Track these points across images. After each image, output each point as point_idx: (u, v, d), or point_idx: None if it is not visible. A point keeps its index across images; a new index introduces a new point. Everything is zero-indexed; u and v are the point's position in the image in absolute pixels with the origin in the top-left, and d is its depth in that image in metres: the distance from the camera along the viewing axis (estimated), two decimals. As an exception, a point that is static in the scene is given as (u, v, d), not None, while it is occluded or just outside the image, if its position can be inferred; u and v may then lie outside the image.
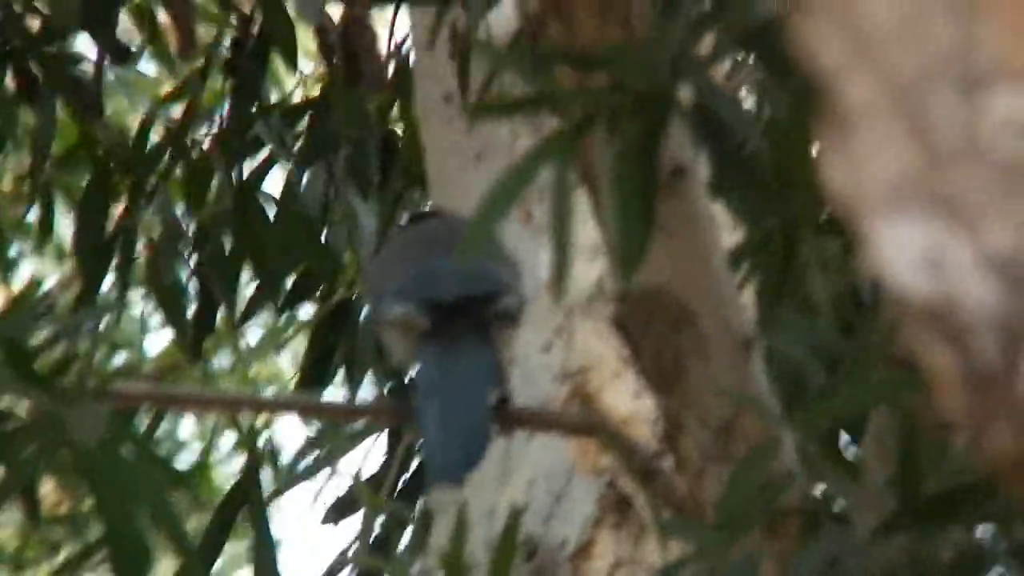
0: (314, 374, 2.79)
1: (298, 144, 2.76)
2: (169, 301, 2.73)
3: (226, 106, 2.79)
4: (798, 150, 1.40)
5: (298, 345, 3.22)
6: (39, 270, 4.02)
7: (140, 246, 2.75)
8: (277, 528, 2.22)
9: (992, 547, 1.40)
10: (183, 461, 4.27)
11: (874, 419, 1.54)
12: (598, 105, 1.37)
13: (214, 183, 2.75)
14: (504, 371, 1.78)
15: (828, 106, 0.68)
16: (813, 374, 1.48)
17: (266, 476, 2.24)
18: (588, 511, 2.19)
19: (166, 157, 2.74)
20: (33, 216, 2.93)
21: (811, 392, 1.48)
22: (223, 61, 2.78)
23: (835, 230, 1.46)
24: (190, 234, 2.75)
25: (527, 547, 2.20)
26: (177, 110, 2.80)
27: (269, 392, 4.14)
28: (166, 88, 2.93)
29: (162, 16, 2.83)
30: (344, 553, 2.50)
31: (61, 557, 3.67)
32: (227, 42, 2.79)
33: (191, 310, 2.76)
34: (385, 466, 2.65)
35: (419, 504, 2.61)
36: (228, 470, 4.31)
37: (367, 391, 2.79)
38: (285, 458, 2.20)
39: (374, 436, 2.53)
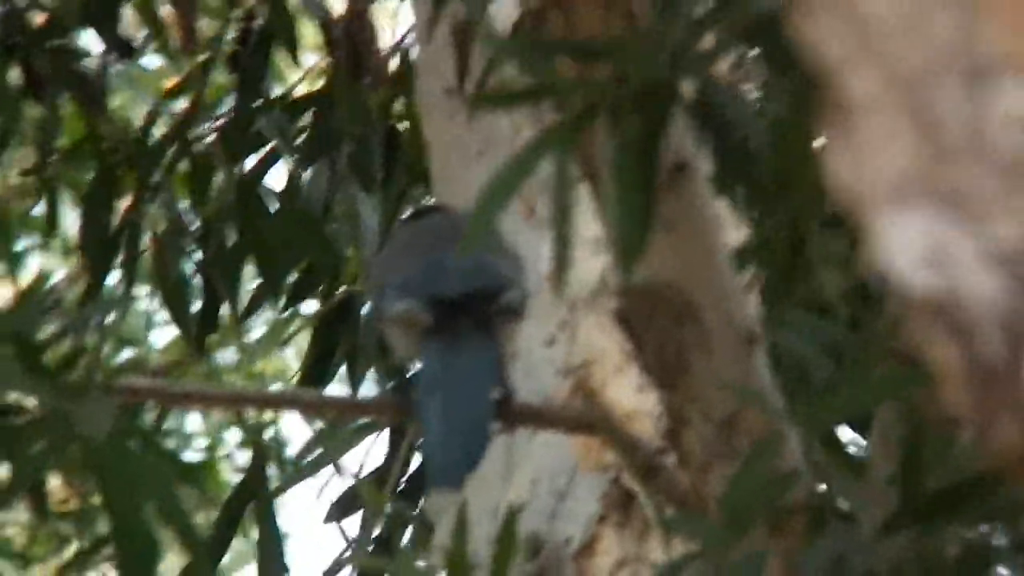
0: (317, 370, 2.79)
1: (301, 139, 2.77)
2: (174, 297, 2.73)
3: (229, 101, 2.79)
4: (801, 145, 1.40)
5: (303, 340, 3.22)
6: (45, 265, 4.02)
7: (145, 241, 2.75)
8: (283, 523, 2.22)
9: (997, 544, 1.40)
10: (189, 456, 4.27)
11: (879, 414, 1.54)
12: (600, 97, 1.37)
13: (218, 178, 2.75)
14: (506, 367, 1.78)
15: (832, 101, 0.68)
16: (817, 369, 1.48)
17: (272, 471, 2.25)
18: (592, 508, 2.19)
19: (170, 152, 2.74)
20: (39, 211, 2.94)
21: (815, 387, 1.49)
22: (226, 56, 2.78)
23: (840, 225, 1.46)
24: (194, 229, 2.75)
25: (531, 545, 2.20)
26: (181, 104, 2.81)
27: (274, 388, 4.14)
28: (170, 83, 2.93)
29: (165, 11, 2.83)
30: (345, 552, 2.50)
31: (69, 552, 3.67)
32: (230, 36, 2.79)
33: (196, 305, 2.76)
34: (388, 462, 2.65)
35: (422, 501, 2.61)
36: (234, 465, 4.32)
37: (369, 387, 2.79)
38: (290, 453, 2.21)
39: (377, 432, 2.53)
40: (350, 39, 2.75)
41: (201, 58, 2.79)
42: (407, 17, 2.86)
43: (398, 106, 2.82)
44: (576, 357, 2.24)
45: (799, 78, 1.36)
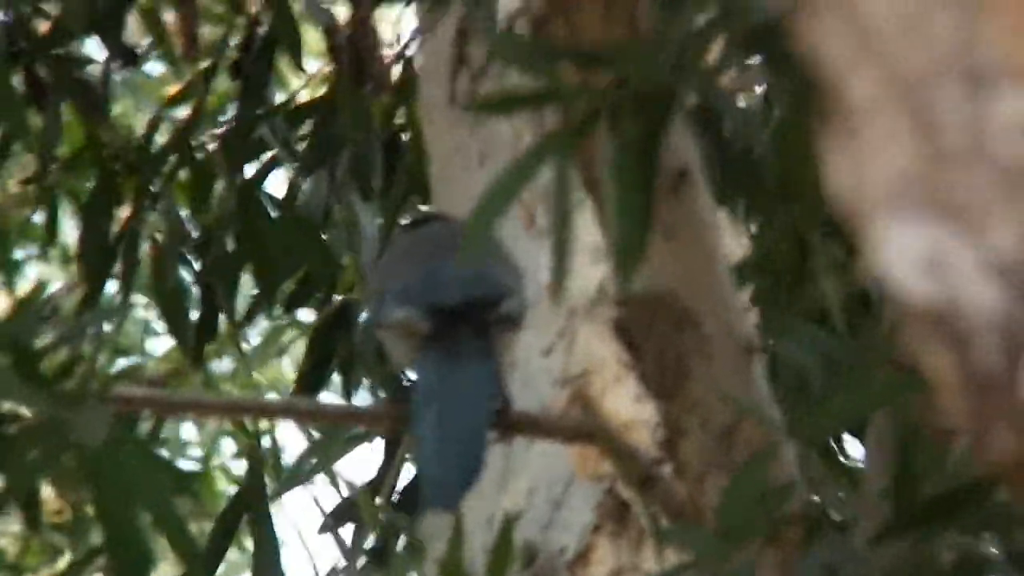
0: (313, 379, 2.79)
1: (302, 147, 2.77)
2: (171, 306, 2.73)
3: (232, 108, 2.79)
4: (803, 151, 1.40)
5: (300, 349, 3.22)
6: (44, 273, 4.02)
7: (144, 249, 2.75)
8: (278, 533, 2.22)
9: (992, 553, 1.39)
10: (185, 464, 4.27)
11: (875, 423, 1.54)
12: (600, 102, 1.37)
13: (219, 186, 2.75)
14: (504, 376, 1.77)
15: (832, 104, 0.68)
16: (815, 378, 1.48)
17: (268, 481, 2.24)
18: (587, 518, 2.19)
19: (171, 160, 2.74)
20: (38, 219, 2.94)
21: (813, 397, 1.49)
22: (229, 63, 2.78)
23: (839, 233, 1.46)
24: (194, 237, 2.75)
25: (526, 554, 2.19)
26: (183, 112, 2.81)
27: (270, 397, 4.14)
28: (172, 90, 2.93)
29: (168, 18, 2.83)
30: (340, 562, 2.50)
31: (62, 563, 3.66)
32: (233, 43, 2.79)
33: (194, 314, 2.76)
34: (383, 472, 2.65)
35: (416, 512, 2.61)
36: (230, 474, 4.31)
37: (365, 396, 2.79)
38: (286, 462, 2.20)
39: (372, 441, 2.52)
40: (353, 46, 2.75)
41: (204, 65, 2.79)
42: (410, 24, 2.86)
43: (400, 114, 2.82)
44: (574, 367, 2.24)
45: (800, 83, 1.36)
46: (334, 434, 2.13)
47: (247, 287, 2.80)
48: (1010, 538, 1.39)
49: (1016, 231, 0.66)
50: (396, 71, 2.82)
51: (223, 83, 2.85)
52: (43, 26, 2.67)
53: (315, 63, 3.23)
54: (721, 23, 1.37)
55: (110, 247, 2.71)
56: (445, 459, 1.60)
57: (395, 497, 2.64)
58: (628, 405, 2.19)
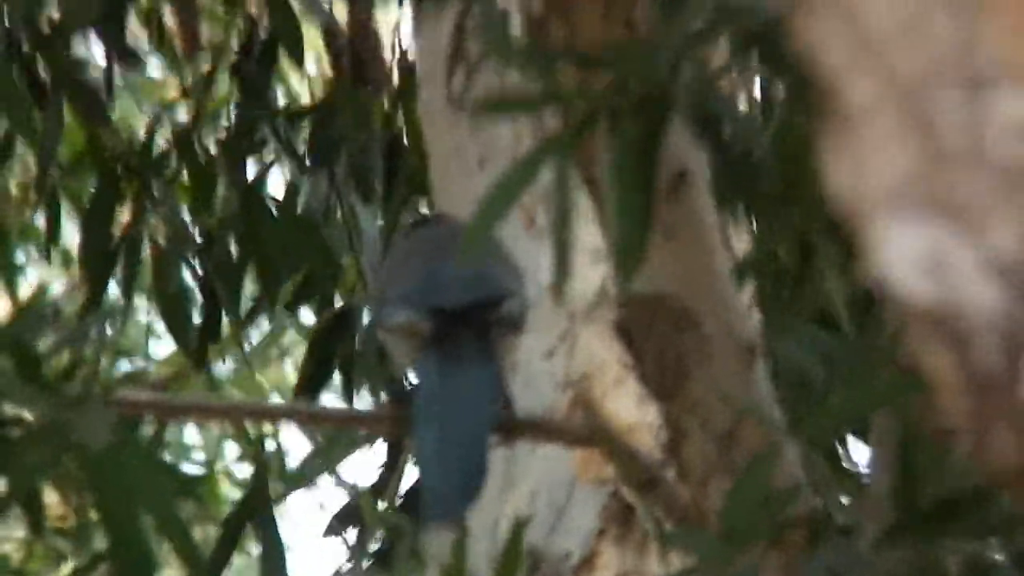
0: (314, 381, 2.79)
1: (302, 148, 2.77)
2: (173, 308, 2.73)
3: (232, 109, 2.80)
4: (803, 153, 1.40)
5: (302, 351, 3.22)
6: (45, 275, 4.02)
7: (146, 251, 2.75)
8: (283, 535, 2.21)
9: (997, 557, 1.39)
10: (189, 468, 4.27)
11: (877, 425, 1.53)
12: (599, 104, 1.37)
13: (220, 187, 2.75)
14: (506, 379, 1.77)
15: (831, 106, 0.68)
16: (816, 379, 1.48)
17: (273, 484, 2.24)
18: (591, 523, 2.19)
19: (172, 161, 2.74)
20: (39, 221, 2.94)
21: (814, 398, 1.48)
22: (230, 64, 2.78)
23: (840, 234, 1.46)
24: (196, 239, 2.75)
25: (530, 559, 2.19)
26: (183, 113, 2.81)
27: (273, 400, 4.14)
28: (172, 91, 2.93)
29: (169, 19, 2.83)
30: (344, 565, 2.50)
31: (66, 569, 3.66)
32: (234, 45, 2.80)
33: (196, 316, 2.76)
34: (386, 474, 2.65)
35: (419, 514, 2.61)
36: (233, 478, 4.31)
37: (366, 399, 2.79)
38: (290, 465, 2.20)
39: (376, 443, 2.52)
40: (353, 48, 2.76)
41: (205, 67, 2.79)
42: (409, 26, 2.86)
43: (400, 116, 2.82)
44: (576, 370, 2.24)
45: (799, 84, 1.36)
46: (337, 437, 2.13)
47: (248, 289, 2.80)
48: (1014, 541, 1.39)
49: (1016, 231, 0.65)
50: (396, 73, 2.83)
51: (224, 85, 2.85)
52: (44, 28, 2.68)
53: (315, 65, 3.23)
54: (719, 25, 1.37)
55: (112, 249, 2.71)
56: (446, 471, 1.60)
57: (399, 499, 2.64)
58: (630, 408, 2.18)
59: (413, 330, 1.72)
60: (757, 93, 2.08)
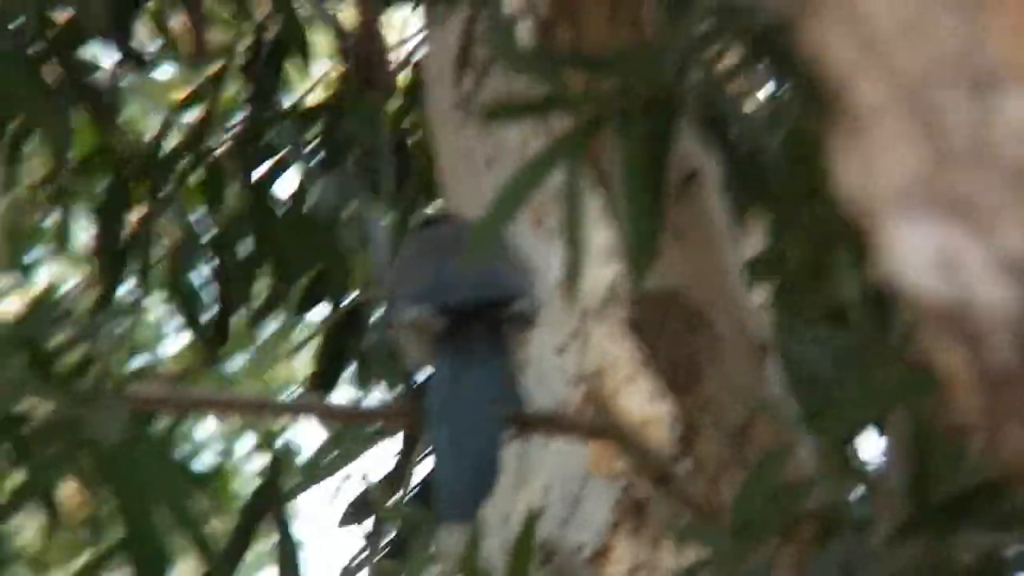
0: (327, 377, 2.80)
1: (312, 148, 2.78)
2: (186, 305, 2.74)
3: (242, 112, 2.80)
4: (812, 154, 1.40)
5: (314, 347, 3.23)
6: (56, 274, 4.04)
7: (159, 250, 2.76)
8: (298, 528, 2.22)
9: (1012, 553, 1.39)
10: (202, 463, 4.28)
11: (891, 422, 1.53)
12: (607, 108, 1.37)
13: (230, 188, 2.76)
14: (518, 376, 1.77)
15: (839, 107, 0.68)
16: (828, 377, 1.48)
17: (287, 478, 2.24)
18: (604, 516, 2.19)
19: (183, 163, 2.75)
20: (51, 221, 2.94)
21: (827, 395, 1.48)
22: (239, 66, 2.79)
23: (851, 234, 1.46)
24: (207, 238, 2.76)
25: (543, 552, 2.19)
26: (192, 116, 2.82)
27: (286, 395, 4.15)
28: (181, 94, 2.94)
29: (177, 21, 2.84)
30: (359, 557, 2.50)
31: (83, 559, 3.67)
32: (243, 47, 2.80)
33: (208, 313, 2.77)
34: (401, 466, 2.65)
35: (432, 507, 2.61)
36: (246, 472, 4.32)
37: (379, 394, 2.79)
38: (304, 459, 2.21)
39: (390, 437, 2.53)
40: (361, 49, 2.76)
41: (214, 69, 2.80)
42: (416, 28, 2.87)
43: (409, 117, 2.83)
44: (588, 365, 2.24)
45: (807, 87, 1.36)
46: (351, 431, 2.13)
47: (259, 287, 2.81)
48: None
49: (1025, 230, 0.65)
50: (404, 75, 2.83)
51: (232, 87, 2.86)
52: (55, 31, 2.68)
53: (324, 67, 3.23)
54: (724, 27, 1.37)
55: (123, 249, 2.72)
56: (459, 469, 1.60)
57: (413, 490, 2.64)
58: (642, 403, 2.19)
59: (425, 327, 1.72)
60: (766, 95, 2.09)
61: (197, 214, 2.78)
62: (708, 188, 1.54)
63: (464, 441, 1.62)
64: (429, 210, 2.77)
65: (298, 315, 2.85)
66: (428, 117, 2.59)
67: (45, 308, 1.63)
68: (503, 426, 1.66)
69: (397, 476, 2.64)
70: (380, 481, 2.60)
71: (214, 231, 2.76)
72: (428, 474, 2.62)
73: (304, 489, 2.21)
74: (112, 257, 2.73)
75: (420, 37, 2.78)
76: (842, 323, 1.58)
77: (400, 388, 2.73)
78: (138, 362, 4.07)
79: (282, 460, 2.21)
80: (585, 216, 1.39)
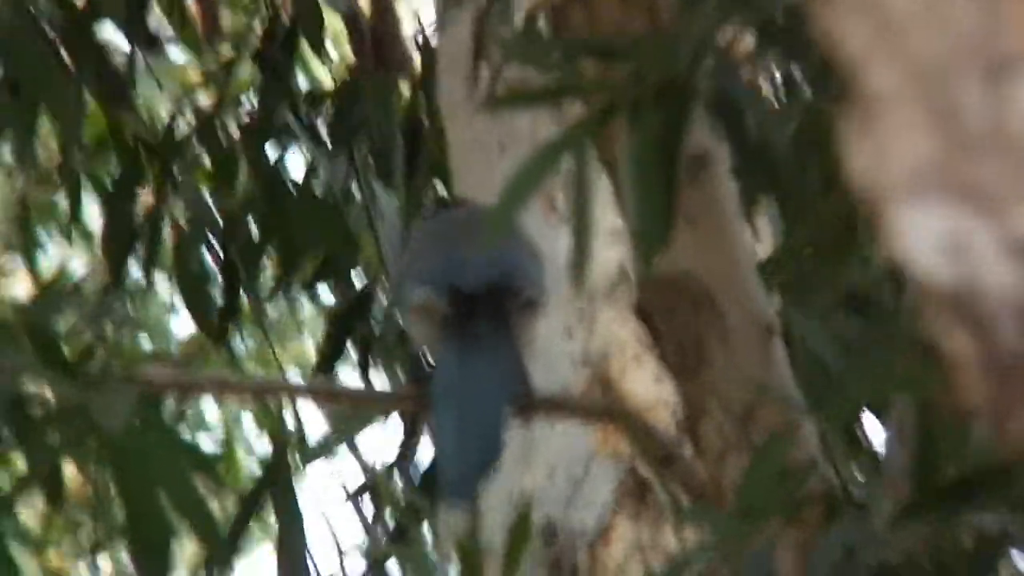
0: (333, 359, 2.80)
1: (323, 131, 2.78)
2: (194, 287, 2.75)
3: (255, 94, 2.81)
4: (824, 139, 1.40)
5: (320, 327, 3.23)
6: (66, 254, 4.04)
7: (167, 232, 2.77)
8: (302, 509, 2.23)
9: (1012, 534, 1.40)
10: (208, 442, 4.29)
11: (896, 405, 1.54)
12: (620, 95, 1.37)
13: (241, 170, 2.76)
14: (524, 360, 1.78)
15: (852, 92, 0.68)
16: (835, 361, 1.49)
17: (292, 458, 2.25)
18: (607, 497, 2.20)
19: (195, 145, 2.76)
20: (61, 201, 2.95)
21: (833, 379, 1.49)
22: (253, 49, 2.79)
23: (862, 218, 1.46)
24: (217, 220, 2.76)
25: (547, 532, 2.20)
26: (205, 98, 2.82)
27: (293, 378, 4.15)
28: (194, 76, 2.94)
29: (190, 3, 2.84)
30: (362, 539, 2.51)
31: (84, 538, 3.68)
32: (257, 30, 2.81)
33: (216, 294, 2.78)
34: (404, 448, 2.66)
35: (436, 489, 2.61)
36: (252, 451, 4.33)
37: (385, 376, 2.80)
38: (309, 440, 2.21)
39: (393, 417, 2.53)
40: (374, 33, 2.76)
41: (227, 52, 2.80)
42: (430, 12, 2.87)
43: (421, 99, 2.83)
44: (594, 348, 2.25)
45: (821, 72, 1.36)
46: (356, 412, 2.13)
47: (267, 269, 2.81)
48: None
49: (1035, 216, 0.66)
50: (416, 57, 2.83)
51: (245, 70, 2.86)
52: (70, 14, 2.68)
53: (339, 49, 3.23)
54: (737, 11, 1.37)
55: (133, 230, 2.73)
56: (463, 449, 1.61)
57: (418, 476, 2.65)
58: (648, 385, 2.19)
59: (432, 310, 1.72)
60: (780, 80, 2.08)
61: (208, 197, 2.78)
62: (717, 171, 1.54)
63: (468, 419, 1.62)
64: (441, 194, 2.78)
65: (305, 297, 2.85)
66: (441, 101, 2.59)
67: (53, 292, 1.64)
68: (508, 406, 1.66)
69: (401, 460, 2.64)
70: (382, 467, 2.61)
71: (224, 213, 2.76)
72: (431, 461, 2.63)
73: (307, 464, 2.22)
74: (122, 239, 2.73)
75: (434, 21, 2.78)
76: (850, 307, 1.58)
77: (407, 371, 2.74)
78: (146, 344, 4.07)
79: (287, 441, 2.22)
80: (593, 200, 1.39)
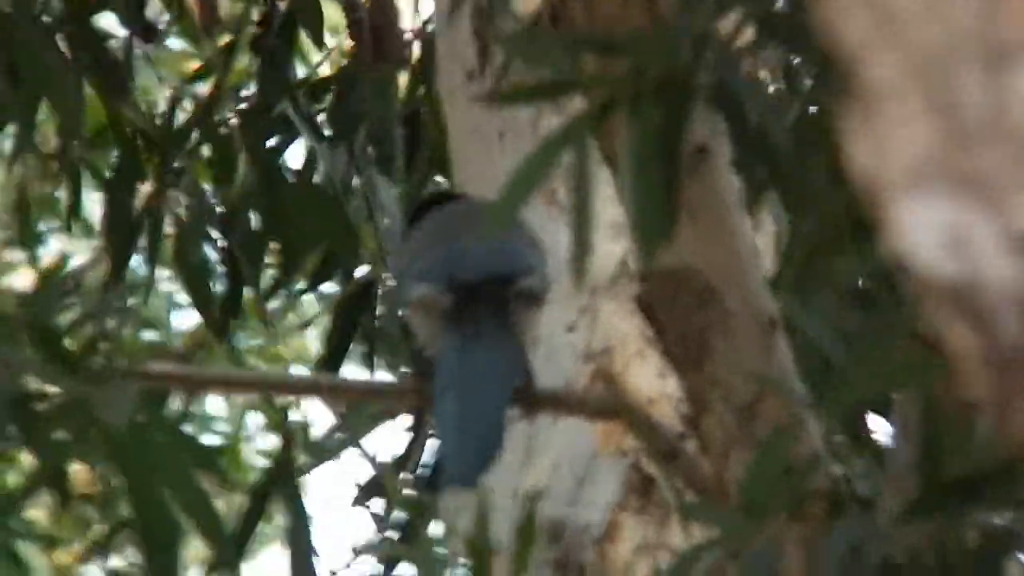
0: (337, 354, 2.80)
1: (322, 121, 2.77)
2: (196, 280, 2.74)
3: (254, 83, 2.80)
4: (825, 132, 1.39)
5: (324, 322, 3.23)
6: (66, 247, 4.03)
7: (168, 224, 2.76)
8: (308, 507, 2.23)
9: (1017, 533, 1.39)
10: (212, 438, 4.29)
11: (900, 400, 1.53)
12: (620, 90, 1.36)
13: (240, 161, 2.76)
14: (527, 353, 1.77)
15: (853, 84, 0.68)
16: (838, 355, 1.48)
17: (298, 454, 2.25)
18: (612, 494, 2.19)
19: (193, 135, 2.75)
20: (61, 193, 2.94)
21: (836, 373, 1.48)
22: (250, 38, 2.78)
23: (863, 211, 1.46)
24: (217, 212, 2.76)
25: (552, 530, 2.20)
26: (203, 88, 2.81)
27: (296, 372, 4.15)
28: (192, 66, 2.94)
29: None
30: (371, 537, 2.51)
31: (93, 534, 3.69)
32: (254, 19, 2.80)
33: (219, 288, 2.77)
34: (410, 447, 2.65)
35: (439, 487, 2.61)
36: (257, 447, 4.33)
37: (388, 371, 2.79)
38: (315, 436, 2.21)
39: (400, 415, 2.53)
40: (372, 22, 2.75)
41: (224, 41, 2.79)
42: (428, 1, 2.86)
43: (420, 89, 2.82)
44: (597, 342, 2.24)
45: (821, 63, 1.36)
46: (362, 408, 2.13)
47: (269, 262, 2.81)
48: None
49: (1037, 208, 0.65)
50: (415, 46, 2.83)
51: (244, 59, 2.86)
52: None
53: (336, 38, 3.23)
54: (740, 5, 1.36)
55: (134, 222, 2.72)
56: (465, 438, 1.61)
57: (422, 472, 2.64)
58: (651, 380, 2.19)
59: (433, 304, 1.72)
60: (781, 72, 2.08)
61: (208, 188, 2.78)
62: (718, 163, 1.54)
63: (470, 410, 1.62)
64: (440, 185, 2.77)
65: (308, 290, 2.85)
66: (440, 90, 2.58)
67: (53, 284, 1.63)
68: (510, 397, 1.66)
69: (407, 456, 2.64)
70: (388, 464, 2.60)
71: (224, 205, 2.76)
72: (435, 456, 2.62)
73: (315, 465, 2.21)
74: (123, 231, 2.72)
75: (432, 10, 2.77)
76: (853, 301, 1.58)
77: (410, 365, 2.73)
78: (150, 337, 4.07)
79: (293, 437, 2.21)
80: (594, 193, 1.39)
